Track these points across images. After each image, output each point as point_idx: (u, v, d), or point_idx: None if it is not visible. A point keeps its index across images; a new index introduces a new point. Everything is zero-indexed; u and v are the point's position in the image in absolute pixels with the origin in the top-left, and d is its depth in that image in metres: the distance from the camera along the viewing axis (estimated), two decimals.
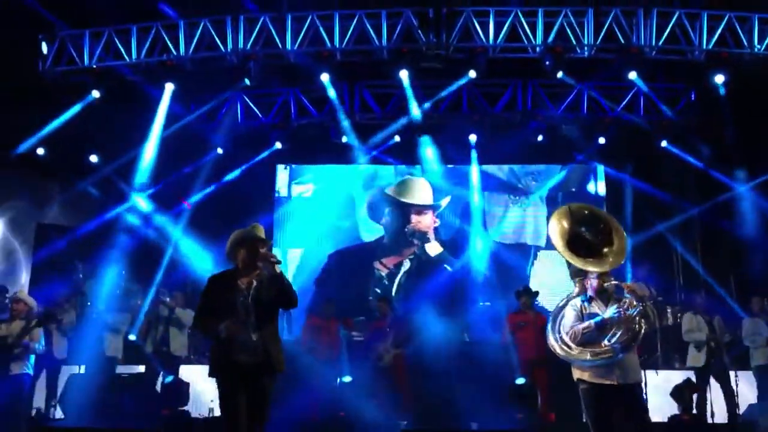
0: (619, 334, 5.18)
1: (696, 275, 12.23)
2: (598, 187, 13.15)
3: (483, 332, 11.36)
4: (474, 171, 13.10)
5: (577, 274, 5.54)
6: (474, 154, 12.90)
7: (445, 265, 12.93)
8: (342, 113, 11.95)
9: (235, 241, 5.46)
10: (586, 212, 5.59)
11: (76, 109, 10.88)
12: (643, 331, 5.21)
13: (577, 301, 5.40)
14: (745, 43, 10.11)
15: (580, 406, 5.41)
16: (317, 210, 13.43)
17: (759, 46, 10.13)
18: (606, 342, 5.18)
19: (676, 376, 9.55)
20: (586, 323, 5.23)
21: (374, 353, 9.98)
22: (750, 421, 7.82)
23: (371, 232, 13.35)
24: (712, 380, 9.40)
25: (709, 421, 8.96)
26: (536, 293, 10.16)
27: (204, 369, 10.49)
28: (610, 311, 5.25)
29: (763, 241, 11.55)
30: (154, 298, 10.27)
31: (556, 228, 5.46)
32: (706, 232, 12.29)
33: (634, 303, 5.24)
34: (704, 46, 10.13)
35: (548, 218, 12.44)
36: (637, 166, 12.53)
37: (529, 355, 9.38)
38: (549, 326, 5.46)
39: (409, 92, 11.53)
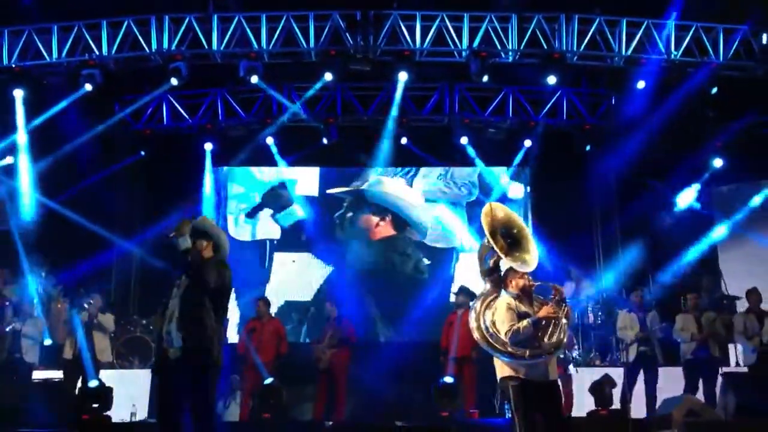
0: (557, 333, 5.33)
1: (618, 274, 12.57)
2: (522, 190, 13.27)
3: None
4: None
5: (489, 273, 5.66)
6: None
7: None
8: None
9: None
10: (502, 214, 5.68)
11: None
12: (566, 330, 5.42)
13: (509, 298, 5.48)
14: (662, 49, 10.47)
15: (500, 402, 5.53)
16: None
17: (675, 53, 10.51)
18: (546, 340, 5.32)
19: (596, 373, 9.78)
20: (526, 321, 5.31)
21: (314, 356, 10.15)
22: (662, 414, 8.07)
23: None
24: (641, 376, 9.69)
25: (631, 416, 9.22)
26: (472, 294, 10.24)
27: (126, 373, 10.52)
28: (545, 310, 5.37)
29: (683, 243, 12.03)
30: (73, 302, 10.03)
31: (485, 223, 5.55)
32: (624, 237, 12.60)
33: (562, 303, 5.43)
34: (624, 52, 10.46)
35: (469, 220, 12.92)
36: (561, 170, 12.74)
37: (458, 353, 9.57)
38: (472, 322, 5.53)
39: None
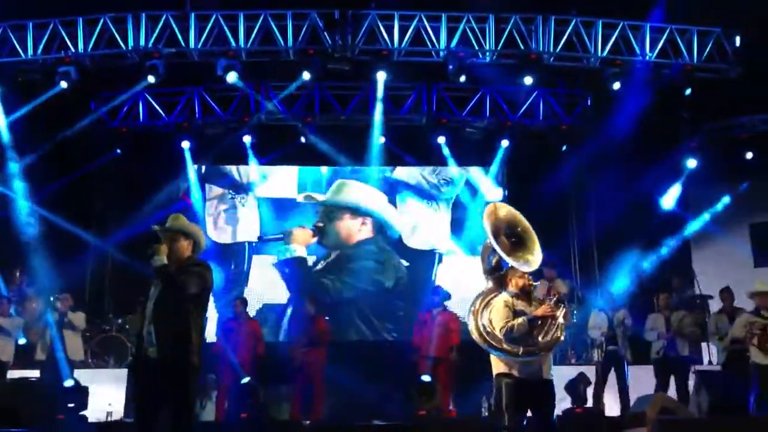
0: (552, 332, 5.37)
1: (594, 273, 12.67)
2: (501, 192, 13.25)
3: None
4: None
5: (491, 272, 5.69)
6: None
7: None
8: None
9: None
10: (504, 213, 5.69)
11: None
12: (563, 329, 5.46)
13: (507, 297, 5.51)
14: (637, 51, 10.59)
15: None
16: None
17: (650, 54, 10.63)
18: (540, 338, 5.36)
19: (571, 371, 9.87)
20: (521, 319, 5.34)
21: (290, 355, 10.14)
22: (636, 412, 8.16)
23: None
24: (612, 374, 9.76)
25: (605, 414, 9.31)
26: (447, 294, 10.29)
27: (102, 372, 10.45)
28: (541, 309, 5.41)
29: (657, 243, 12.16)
30: (45, 301, 9.97)
31: (487, 223, 5.56)
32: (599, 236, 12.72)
33: (560, 303, 5.47)
34: (599, 53, 10.57)
35: (452, 223, 12.91)
36: (537, 170, 12.79)
37: (432, 353, 9.61)
38: (471, 319, 5.57)
39: None
